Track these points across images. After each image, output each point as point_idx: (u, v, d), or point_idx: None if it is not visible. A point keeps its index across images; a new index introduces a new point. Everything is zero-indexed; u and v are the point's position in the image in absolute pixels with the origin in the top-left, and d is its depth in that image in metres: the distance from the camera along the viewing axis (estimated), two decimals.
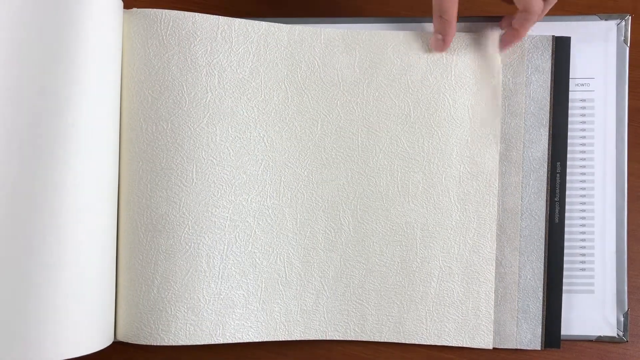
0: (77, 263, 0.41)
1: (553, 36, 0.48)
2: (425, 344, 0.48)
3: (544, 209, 0.48)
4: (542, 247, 0.48)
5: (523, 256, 0.48)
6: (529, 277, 0.48)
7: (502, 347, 0.48)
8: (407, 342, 0.48)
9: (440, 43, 0.47)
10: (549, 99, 0.48)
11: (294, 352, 0.49)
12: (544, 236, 0.48)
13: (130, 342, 0.45)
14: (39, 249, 0.40)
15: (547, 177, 0.48)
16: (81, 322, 0.42)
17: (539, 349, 0.48)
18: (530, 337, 0.48)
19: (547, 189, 0.48)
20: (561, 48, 0.48)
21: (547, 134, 0.48)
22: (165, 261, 0.45)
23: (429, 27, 0.49)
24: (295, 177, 0.47)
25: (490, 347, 0.48)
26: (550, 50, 0.48)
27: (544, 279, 0.48)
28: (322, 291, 0.47)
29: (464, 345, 0.48)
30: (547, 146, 0.48)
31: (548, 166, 0.48)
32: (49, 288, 0.40)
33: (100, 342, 0.43)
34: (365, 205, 0.48)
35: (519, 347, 0.48)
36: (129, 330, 0.45)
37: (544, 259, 0.48)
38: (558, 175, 0.48)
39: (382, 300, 0.47)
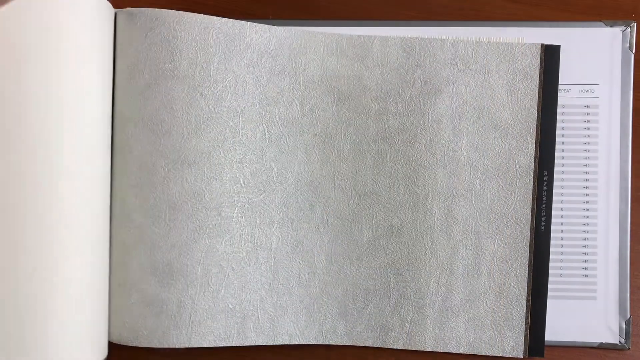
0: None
1: (542, 44, 0.48)
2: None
3: (529, 217, 0.48)
4: (527, 254, 0.48)
5: (507, 263, 0.48)
6: (512, 284, 0.48)
7: (484, 354, 0.48)
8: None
9: None
10: (536, 107, 0.48)
11: (296, 352, 0.51)
12: (528, 244, 0.48)
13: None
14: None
15: (534, 185, 0.48)
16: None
17: (522, 356, 0.48)
18: (513, 344, 0.48)
19: (533, 197, 0.48)
20: (550, 56, 0.48)
21: (534, 141, 0.48)
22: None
23: (432, 31, 0.50)
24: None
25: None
26: (539, 58, 0.48)
27: (528, 287, 0.48)
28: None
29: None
30: (533, 154, 0.48)
31: (535, 174, 0.48)
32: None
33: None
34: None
35: (501, 355, 0.48)
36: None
37: (528, 267, 0.48)
38: (545, 183, 0.48)
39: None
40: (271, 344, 0.48)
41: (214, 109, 0.46)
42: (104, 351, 0.46)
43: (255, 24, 0.47)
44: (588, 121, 0.50)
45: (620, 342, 0.49)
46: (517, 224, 0.48)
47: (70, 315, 0.43)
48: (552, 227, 0.49)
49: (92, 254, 0.44)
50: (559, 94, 0.49)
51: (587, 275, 0.49)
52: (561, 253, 0.49)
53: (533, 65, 0.48)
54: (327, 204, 0.49)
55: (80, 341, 0.43)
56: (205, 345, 0.46)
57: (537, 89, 0.48)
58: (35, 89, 0.41)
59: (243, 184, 0.47)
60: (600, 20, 0.50)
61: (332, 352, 0.51)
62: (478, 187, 0.48)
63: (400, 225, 0.49)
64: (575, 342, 0.49)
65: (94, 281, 0.44)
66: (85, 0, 0.43)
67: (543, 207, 0.48)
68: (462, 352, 0.48)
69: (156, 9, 0.45)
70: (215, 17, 0.46)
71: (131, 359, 0.51)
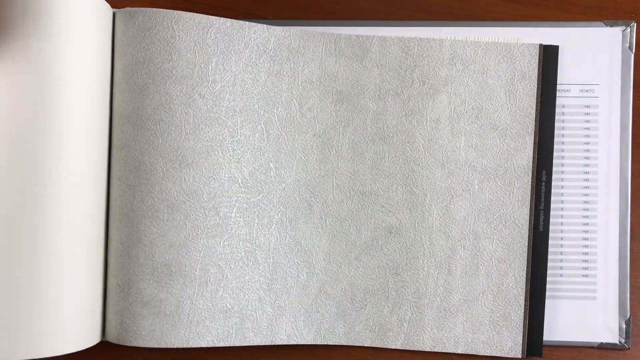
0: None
1: (540, 44, 0.48)
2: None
3: (527, 217, 0.48)
4: (525, 255, 0.48)
5: (505, 264, 0.48)
6: (510, 284, 0.48)
7: (482, 354, 0.48)
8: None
9: None
10: (534, 107, 0.48)
11: (295, 353, 0.51)
12: (526, 244, 0.48)
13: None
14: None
15: (532, 185, 0.48)
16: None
17: (520, 356, 0.48)
18: (511, 344, 0.48)
19: (531, 197, 0.48)
20: (549, 56, 0.48)
21: (532, 142, 0.48)
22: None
23: (430, 31, 0.50)
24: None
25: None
26: (538, 58, 0.48)
27: (526, 287, 0.48)
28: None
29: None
30: (532, 154, 0.48)
31: (533, 174, 0.48)
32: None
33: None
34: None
35: (499, 355, 0.48)
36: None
37: (527, 267, 0.48)
38: (543, 183, 0.48)
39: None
40: (269, 344, 0.48)
41: (212, 108, 0.46)
42: (96, 337, 0.46)
43: (253, 23, 0.47)
44: (588, 121, 0.49)
45: (620, 342, 0.49)
46: (516, 224, 0.48)
47: (63, 311, 0.43)
48: (552, 227, 0.49)
49: (88, 252, 0.44)
50: (559, 94, 0.49)
51: (587, 275, 0.49)
52: (561, 253, 0.49)
53: (531, 66, 0.48)
54: (326, 204, 0.49)
55: (75, 331, 0.44)
56: (203, 346, 0.46)
57: (536, 89, 0.48)
58: (33, 88, 0.41)
59: (241, 184, 0.47)
60: (600, 20, 0.50)
61: (331, 352, 0.51)
62: (476, 187, 0.48)
63: (399, 225, 0.48)
64: (575, 342, 0.49)
65: (88, 279, 0.45)
66: (84, 0, 0.43)
67: (541, 207, 0.48)
68: (460, 352, 0.48)
69: (154, 9, 0.45)
70: (213, 17, 0.46)
71: (129, 359, 0.51)
